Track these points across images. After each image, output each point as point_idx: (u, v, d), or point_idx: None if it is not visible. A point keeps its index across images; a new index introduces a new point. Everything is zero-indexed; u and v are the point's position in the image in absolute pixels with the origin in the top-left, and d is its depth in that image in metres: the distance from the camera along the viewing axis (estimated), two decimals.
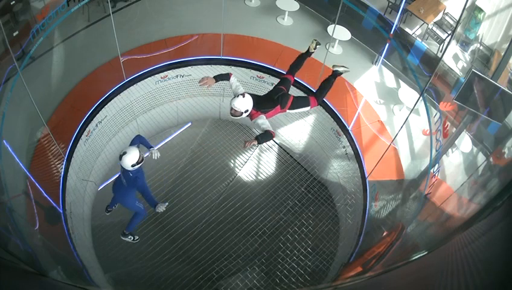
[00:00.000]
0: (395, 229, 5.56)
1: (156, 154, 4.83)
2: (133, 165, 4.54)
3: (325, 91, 4.89)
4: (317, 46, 4.95)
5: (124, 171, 4.72)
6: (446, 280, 1.89)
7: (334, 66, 4.98)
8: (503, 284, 1.53)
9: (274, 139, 8.54)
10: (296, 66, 4.97)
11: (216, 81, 4.46)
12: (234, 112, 4.29)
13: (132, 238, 5.82)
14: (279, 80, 4.86)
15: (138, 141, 4.90)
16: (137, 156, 4.54)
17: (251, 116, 4.43)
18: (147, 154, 4.91)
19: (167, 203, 4.80)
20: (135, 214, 5.42)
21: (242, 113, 4.29)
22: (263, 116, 4.44)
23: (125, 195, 5.04)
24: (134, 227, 5.59)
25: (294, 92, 7.23)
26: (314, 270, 6.69)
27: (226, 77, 4.53)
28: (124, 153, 4.51)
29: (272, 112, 4.57)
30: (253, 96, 4.41)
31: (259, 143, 4.28)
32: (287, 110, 4.73)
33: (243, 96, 4.24)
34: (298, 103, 4.75)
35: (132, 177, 4.73)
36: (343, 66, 4.95)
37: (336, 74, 4.94)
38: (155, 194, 7.21)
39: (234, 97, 4.29)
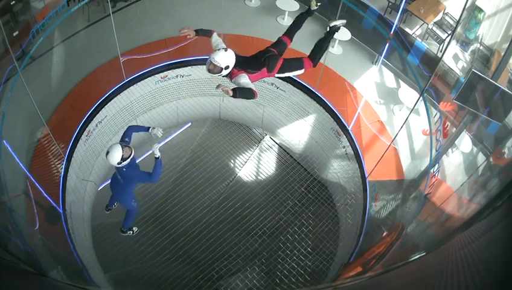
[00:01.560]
0: (395, 229, 5.56)
1: (158, 132, 4.69)
2: (119, 163, 4.47)
3: (322, 51, 4.36)
4: (319, 4, 4.46)
5: (117, 167, 4.67)
6: (446, 280, 1.89)
7: (330, 20, 4.44)
8: (503, 284, 1.53)
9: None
10: (295, 27, 4.45)
11: (197, 34, 4.04)
12: (213, 68, 3.80)
13: (132, 232, 5.86)
14: (275, 41, 4.33)
15: (131, 132, 4.84)
16: (121, 153, 4.41)
17: (231, 74, 3.94)
18: (152, 150, 4.78)
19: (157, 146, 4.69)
20: (128, 212, 5.46)
21: (222, 69, 3.80)
22: (245, 74, 3.95)
23: (123, 192, 5.04)
24: (129, 224, 5.64)
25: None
26: (314, 270, 6.69)
27: (208, 32, 4.11)
28: (107, 153, 4.44)
29: (256, 74, 4.08)
30: (237, 55, 3.93)
31: (235, 96, 3.70)
32: (276, 75, 4.24)
33: (225, 50, 3.80)
34: (289, 65, 4.24)
35: (126, 173, 4.69)
36: (339, 20, 4.41)
37: (333, 30, 4.42)
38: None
39: (214, 51, 3.82)
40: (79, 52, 7.10)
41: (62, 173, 5.87)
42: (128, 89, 6.88)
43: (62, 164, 5.90)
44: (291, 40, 4.40)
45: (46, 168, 5.81)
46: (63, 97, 6.55)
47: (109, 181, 5.21)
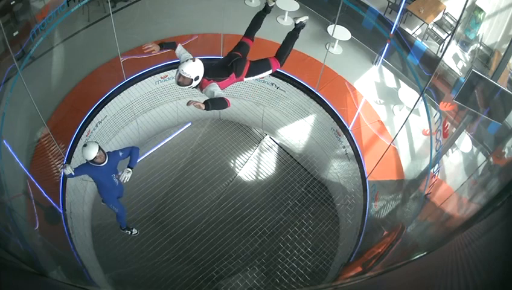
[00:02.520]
0: (395, 229, 5.56)
1: (124, 178, 4.75)
2: (90, 161, 4.51)
3: (288, 50, 4.31)
4: (274, 1, 4.47)
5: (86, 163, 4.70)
6: (446, 280, 1.89)
7: (295, 18, 4.39)
8: (503, 284, 1.53)
9: (273, 138, 8.59)
10: (254, 27, 4.43)
11: (161, 49, 3.98)
12: (182, 80, 3.73)
13: (130, 232, 5.95)
14: (237, 44, 4.29)
15: (128, 152, 4.86)
16: (91, 155, 4.45)
17: (201, 85, 3.85)
18: (119, 173, 4.87)
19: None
20: (116, 216, 5.57)
21: (192, 80, 3.73)
22: (215, 83, 3.87)
23: (101, 191, 5.07)
24: (122, 222, 5.76)
25: (294, 92, 7.29)
26: (314, 270, 6.69)
27: (172, 45, 4.04)
28: (85, 145, 4.52)
29: (226, 80, 4.01)
30: (204, 64, 3.85)
31: (207, 109, 3.59)
32: (245, 79, 4.15)
33: (193, 61, 3.72)
34: (257, 68, 4.17)
35: (95, 172, 4.72)
36: (303, 16, 4.40)
37: (299, 27, 4.40)
38: (155, 194, 7.24)
39: (182, 62, 3.75)
40: (79, 52, 7.10)
41: (62, 173, 5.87)
42: (128, 89, 6.88)
43: (62, 164, 5.90)
44: (252, 41, 4.37)
45: (46, 168, 5.82)
46: (63, 97, 6.55)
47: None
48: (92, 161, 4.52)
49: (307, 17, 4.38)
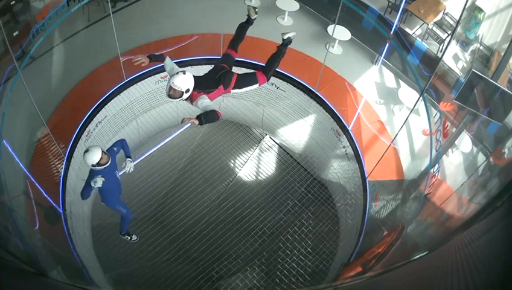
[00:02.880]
0: (395, 229, 5.56)
1: (129, 168, 4.74)
2: (93, 165, 4.40)
3: (275, 65, 4.37)
4: (256, 11, 4.51)
5: (91, 169, 4.59)
6: (446, 280, 1.89)
7: (282, 34, 4.48)
8: (503, 284, 1.53)
9: (273, 138, 8.59)
10: (238, 38, 4.49)
11: (150, 61, 4.03)
12: (173, 93, 3.77)
13: (129, 237, 5.85)
14: (222, 56, 4.34)
15: (120, 145, 4.82)
16: (96, 158, 4.34)
17: (191, 98, 3.90)
18: (124, 170, 4.85)
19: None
20: (121, 218, 5.46)
21: (182, 93, 3.77)
22: (205, 96, 3.92)
23: (102, 193, 4.96)
24: (124, 227, 5.64)
25: (294, 92, 7.29)
26: (314, 270, 6.69)
27: (160, 57, 4.11)
28: (87, 150, 4.37)
29: (214, 93, 4.06)
30: (193, 77, 3.91)
31: (201, 123, 3.68)
32: (232, 91, 4.23)
33: (184, 74, 3.75)
34: (244, 80, 4.25)
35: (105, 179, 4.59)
36: (290, 32, 4.47)
37: (286, 42, 4.47)
38: (155, 194, 7.24)
39: (173, 75, 3.78)
40: (79, 52, 7.10)
41: (62, 173, 5.87)
42: (128, 89, 6.88)
43: (62, 164, 5.90)
44: (236, 52, 4.43)
45: (46, 168, 5.81)
46: (63, 97, 6.55)
47: None
48: (97, 163, 4.41)
49: (294, 33, 4.47)
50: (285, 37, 4.44)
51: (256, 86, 4.31)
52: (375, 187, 6.32)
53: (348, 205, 6.81)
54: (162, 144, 8.13)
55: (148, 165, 7.45)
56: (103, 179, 4.48)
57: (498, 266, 1.65)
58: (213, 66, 4.25)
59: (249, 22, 4.54)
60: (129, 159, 4.84)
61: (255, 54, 7.46)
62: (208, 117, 3.71)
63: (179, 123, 8.24)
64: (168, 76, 3.91)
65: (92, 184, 4.50)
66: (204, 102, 3.86)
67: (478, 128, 5.92)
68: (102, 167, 4.48)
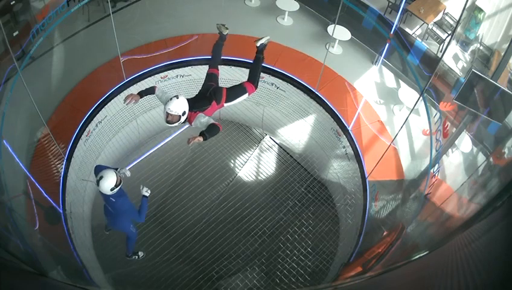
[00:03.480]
0: (395, 229, 5.56)
1: (127, 173, 4.82)
2: (111, 189, 4.40)
3: (258, 72, 4.62)
4: (226, 27, 4.78)
5: (106, 197, 4.60)
6: (446, 280, 1.89)
7: (256, 41, 4.71)
8: (503, 284, 1.53)
9: (273, 138, 8.59)
10: (216, 57, 4.73)
11: (141, 97, 4.18)
12: (171, 118, 3.92)
13: (137, 257, 5.89)
14: (205, 77, 4.59)
15: (100, 169, 4.74)
16: (115, 179, 4.37)
17: (189, 119, 4.08)
18: (127, 175, 4.91)
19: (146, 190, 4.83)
20: (127, 239, 5.47)
21: (180, 117, 3.93)
22: (201, 114, 4.11)
23: (116, 220, 4.99)
24: (132, 249, 5.66)
25: (294, 92, 7.29)
26: (314, 270, 6.69)
27: (151, 90, 4.24)
28: (101, 178, 4.35)
29: (209, 109, 4.26)
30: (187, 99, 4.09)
31: (205, 139, 3.89)
32: (225, 104, 4.43)
33: (177, 98, 3.90)
34: (234, 93, 4.45)
35: (116, 204, 4.61)
36: (263, 37, 4.69)
37: (261, 49, 4.68)
38: (155, 194, 7.23)
39: (167, 101, 3.92)
40: (79, 52, 7.10)
41: (62, 173, 5.87)
42: (128, 89, 6.88)
43: (62, 164, 5.90)
44: (218, 70, 4.66)
45: (46, 168, 5.81)
46: (63, 97, 6.55)
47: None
48: (115, 185, 4.43)
49: (268, 38, 4.71)
50: (258, 44, 4.71)
51: (246, 95, 4.53)
52: (375, 187, 6.32)
53: (348, 205, 6.81)
54: (162, 144, 8.13)
55: (148, 165, 7.45)
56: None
57: (498, 266, 1.65)
58: (201, 87, 4.49)
59: (221, 38, 4.80)
60: (119, 168, 4.85)
61: (254, 53, 7.47)
62: (210, 132, 3.92)
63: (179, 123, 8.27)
64: (163, 104, 4.06)
65: (145, 193, 4.65)
66: (203, 119, 4.04)
67: (478, 128, 5.92)
68: (119, 187, 4.49)
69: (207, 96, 4.31)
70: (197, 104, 4.17)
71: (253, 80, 4.56)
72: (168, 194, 7.43)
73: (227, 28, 4.78)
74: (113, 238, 6.44)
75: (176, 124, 3.99)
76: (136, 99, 4.13)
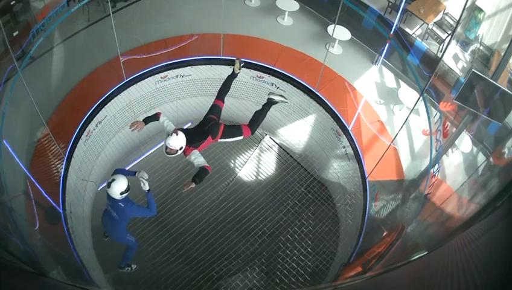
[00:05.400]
0: (395, 229, 5.56)
1: (145, 176, 4.88)
2: (121, 193, 4.51)
3: (259, 120, 4.92)
4: (241, 65, 5.04)
5: (113, 202, 4.67)
6: (446, 280, 1.89)
7: (270, 93, 5.00)
8: (503, 284, 1.53)
9: (273, 138, 8.59)
10: (225, 89, 5.01)
11: (146, 124, 4.53)
12: (170, 151, 4.36)
13: (130, 268, 5.84)
14: (210, 107, 4.91)
15: (120, 172, 4.86)
16: (126, 184, 4.53)
17: (185, 152, 4.49)
18: (145, 178, 4.95)
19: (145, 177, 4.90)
20: (127, 248, 5.46)
21: (177, 151, 4.36)
22: (196, 151, 4.50)
23: (115, 229, 5.02)
24: (128, 260, 5.65)
25: (294, 92, 7.29)
26: (314, 270, 6.69)
27: (155, 117, 4.60)
28: (113, 180, 4.48)
29: (204, 143, 4.63)
30: (184, 131, 4.46)
31: (197, 183, 4.31)
32: (219, 140, 4.77)
33: (176, 135, 4.31)
34: (230, 132, 4.79)
35: (122, 208, 4.68)
36: (280, 96, 4.96)
37: (270, 103, 4.94)
38: (155, 194, 7.23)
39: (168, 136, 4.33)
40: (79, 52, 7.10)
41: (62, 173, 5.87)
42: (128, 89, 6.88)
43: (62, 164, 5.90)
44: (223, 102, 4.98)
45: (46, 168, 5.81)
46: (63, 97, 6.55)
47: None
48: (125, 190, 4.56)
49: (283, 99, 5.00)
50: (269, 97, 4.97)
51: (241, 137, 4.86)
52: (375, 187, 6.32)
53: (348, 205, 6.81)
54: (162, 144, 8.11)
55: (148, 165, 7.45)
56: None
57: (498, 266, 1.65)
58: (203, 117, 4.83)
59: (233, 75, 5.09)
60: (137, 172, 4.91)
61: (254, 53, 7.48)
62: (201, 176, 4.35)
63: (179, 125, 8.28)
64: (164, 134, 4.47)
65: (145, 176, 4.75)
66: (196, 159, 4.45)
67: (478, 128, 5.92)
68: (128, 192, 4.61)
69: (205, 130, 4.64)
70: (193, 138, 4.52)
71: (252, 126, 4.86)
72: (168, 194, 7.42)
73: (239, 69, 5.09)
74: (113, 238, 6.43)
75: (173, 155, 4.44)
76: (141, 127, 4.51)
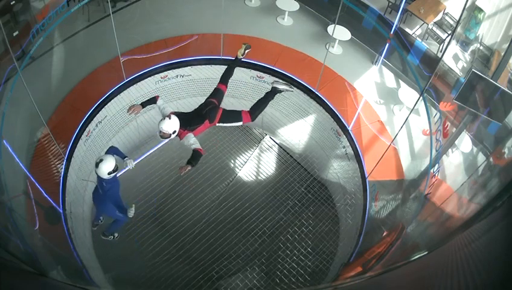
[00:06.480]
0: (395, 229, 5.56)
1: (131, 164, 4.86)
2: (109, 173, 4.55)
3: (261, 108, 4.84)
4: (246, 51, 4.96)
5: (100, 180, 4.72)
6: (446, 280, 1.89)
7: (274, 82, 4.94)
8: (503, 284, 1.53)
9: (273, 138, 8.59)
10: (228, 75, 4.97)
11: (143, 107, 4.54)
12: (163, 134, 4.34)
13: (113, 237, 5.88)
14: (212, 91, 4.86)
15: (113, 151, 4.91)
16: (114, 164, 4.56)
17: (179, 135, 4.46)
18: (127, 167, 4.95)
19: (133, 210, 4.93)
20: (115, 221, 5.47)
21: (170, 134, 4.33)
22: (191, 134, 4.47)
23: (103, 205, 5.03)
24: (113, 230, 5.67)
25: (294, 92, 7.28)
26: (314, 270, 6.69)
27: (153, 100, 4.60)
28: (101, 160, 4.52)
29: (200, 127, 4.59)
30: (181, 114, 4.46)
31: (193, 166, 4.31)
32: (217, 124, 4.73)
33: (169, 118, 4.30)
34: (228, 117, 4.75)
35: (106, 187, 4.73)
36: (285, 84, 4.91)
37: (275, 91, 4.89)
38: (155, 194, 7.24)
39: (161, 120, 4.33)
40: (79, 52, 7.10)
41: (62, 173, 5.87)
42: (128, 89, 6.88)
43: (62, 164, 5.90)
44: (226, 87, 4.92)
45: (46, 168, 5.81)
46: (63, 97, 6.55)
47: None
48: (113, 170, 4.57)
49: (287, 88, 4.91)
50: (274, 85, 4.89)
51: (240, 123, 4.79)
52: (375, 187, 6.32)
53: (348, 205, 6.81)
54: (162, 144, 8.12)
55: (148, 165, 7.45)
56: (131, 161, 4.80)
57: (498, 266, 1.65)
58: (204, 100, 4.78)
59: (237, 60, 5.03)
60: (127, 157, 4.91)
61: (254, 53, 7.46)
62: (195, 159, 4.30)
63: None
64: (160, 114, 4.50)
65: (130, 165, 4.75)
66: (190, 141, 4.41)
67: (478, 128, 5.92)
68: (116, 173, 4.62)
69: (203, 113, 4.61)
70: (190, 121, 4.51)
71: (253, 112, 4.79)
72: (168, 194, 7.43)
73: (243, 55, 5.01)
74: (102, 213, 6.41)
75: (167, 139, 4.46)
76: (138, 110, 4.53)
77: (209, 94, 4.87)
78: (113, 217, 5.29)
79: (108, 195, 4.82)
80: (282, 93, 7.33)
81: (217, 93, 4.82)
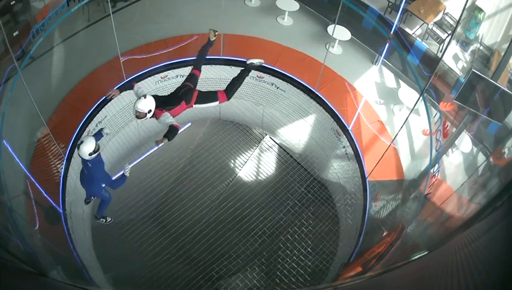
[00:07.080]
0: (395, 229, 5.56)
1: (127, 173, 5.07)
2: (90, 154, 4.63)
3: (236, 86, 4.90)
4: (216, 33, 5.09)
5: (84, 161, 4.81)
6: (446, 280, 1.89)
7: (248, 59, 5.01)
8: (503, 284, 1.53)
9: (273, 138, 8.60)
10: (200, 58, 5.07)
11: (121, 92, 4.66)
12: (139, 114, 4.41)
13: (104, 220, 5.94)
14: (187, 76, 4.98)
15: (99, 135, 5.05)
16: (94, 145, 4.64)
17: (155, 115, 4.55)
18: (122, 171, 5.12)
19: (129, 167, 5.12)
20: (101, 202, 5.53)
21: (146, 114, 4.40)
22: (167, 113, 4.55)
23: (88, 184, 5.13)
24: (102, 211, 5.73)
25: (294, 92, 7.29)
26: (314, 270, 6.69)
27: (128, 87, 4.75)
28: (82, 142, 4.62)
29: (177, 108, 4.67)
30: (157, 96, 4.56)
31: (169, 140, 4.42)
32: (194, 106, 4.81)
33: (145, 97, 4.38)
34: (204, 97, 4.83)
35: (91, 169, 4.81)
36: (259, 59, 4.98)
37: (249, 68, 4.98)
38: (155, 194, 7.24)
39: (137, 99, 4.42)
40: (79, 52, 7.10)
41: (62, 173, 5.87)
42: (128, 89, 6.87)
43: (62, 164, 5.90)
44: (200, 72, 5.02)
45: (46, 168, 5.81)
46: (63, 97, 6.55)
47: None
48: (93, 151, 4.65)
49: (261, 60, 4.99)
50: (248, 62, 4.98)
51: (216, 103, 4.86)
52: (375, 187, 6.31)
53: (348, 205, 6.81)
54: (162, 144, 8.12)
55: (148, 165, 7.45)
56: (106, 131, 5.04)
57: (498, 266, 1.65)
58: (181, 84, 4.89)
59: (209, 43, 5.11)
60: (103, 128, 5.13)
61: (254, 53, 7.45)
62: (171, 133, 4.42)
63: (179, 123, 8.27)
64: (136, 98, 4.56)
65: (107, 131, 4.98)
66: (166, 119, 4.52)
67: (478, 128, 5.92)
68: (97, 153, 4.73)
69: (178, 96, 4.70)
70: (166, 102, 4.61)
71: (229, 91, 4.86)
72: (168, 194, 7.43)
73: (215, 36, 5.12)
74: (113, 238, 6.45)
75: (143, 119, 4.48)
76: (116, 94, 4.64)
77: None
78: (99, 196, 5.38)
79: (95, 176, 4.92)
80: (282, 93, 7.43)
81: (192, 78, 4.91)
